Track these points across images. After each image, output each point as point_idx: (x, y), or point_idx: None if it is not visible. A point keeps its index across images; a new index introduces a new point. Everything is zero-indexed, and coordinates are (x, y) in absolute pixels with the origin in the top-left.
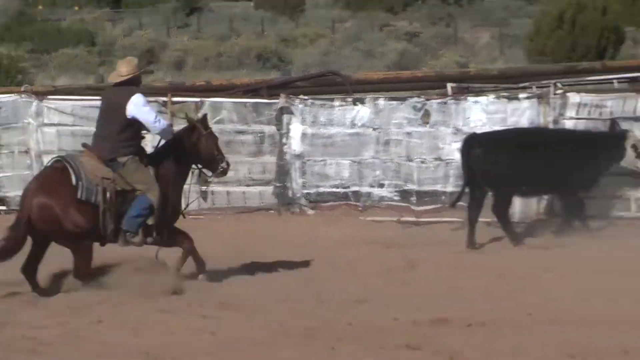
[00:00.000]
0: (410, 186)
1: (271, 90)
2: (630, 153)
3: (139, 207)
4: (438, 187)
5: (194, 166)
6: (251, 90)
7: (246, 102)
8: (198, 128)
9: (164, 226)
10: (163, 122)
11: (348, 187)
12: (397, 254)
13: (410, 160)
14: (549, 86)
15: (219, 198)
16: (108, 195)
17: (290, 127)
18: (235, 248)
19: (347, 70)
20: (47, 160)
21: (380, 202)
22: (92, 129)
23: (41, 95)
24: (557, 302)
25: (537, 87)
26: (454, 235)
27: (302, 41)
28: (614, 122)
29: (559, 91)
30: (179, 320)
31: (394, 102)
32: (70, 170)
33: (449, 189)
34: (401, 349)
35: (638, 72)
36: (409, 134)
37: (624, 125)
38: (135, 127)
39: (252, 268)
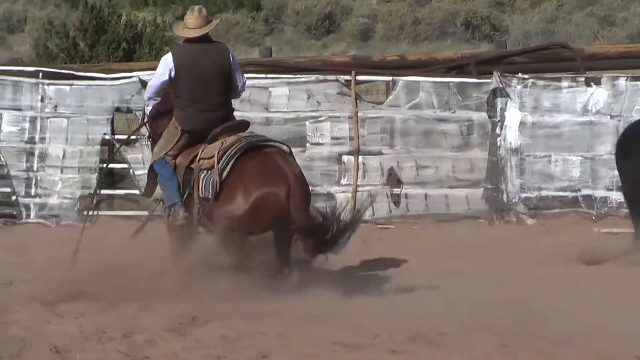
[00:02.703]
0: None
1: (482, 67)
2: None
3: None
4: None
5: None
6: (456, 67)
7: (450, 82)
8: None
9: None
10: None
11: (578, 190)
12: None
13: None
14: None
15: (415, 203)
16: None
17: (506, 114)
18: (432, 265)
19: (579, 42)
20: None
21: (619, 210)
22: (256, 114)
23: None
24: None
25: None
26: None
27: (522, 5)
28: None
29: None
30: (362, 356)
31: (639, 83)
32: None
33: None
34: None
35: None
36: None
37: None
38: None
39: (452, 291)
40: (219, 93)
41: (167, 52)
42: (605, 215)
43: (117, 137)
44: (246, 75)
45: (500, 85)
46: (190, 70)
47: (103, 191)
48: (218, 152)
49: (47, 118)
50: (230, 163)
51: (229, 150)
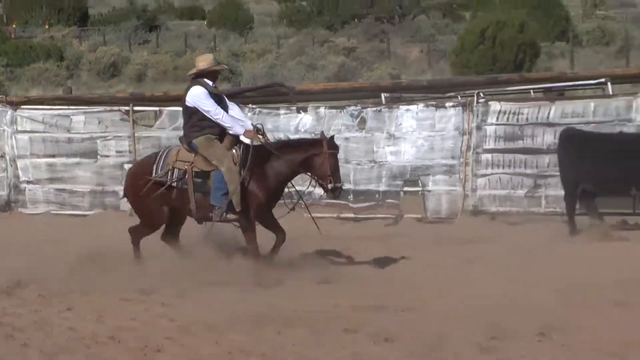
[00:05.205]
0: (348, 186)
1: None
2: None
3: (216, 181)
4: (372, 187)
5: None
6: None
7: None
8: (323, 144)
9: (242, 209)
10: (222, 112)
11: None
12: (337, 246)
13: (348, 162)
14: (472, 95)
15: None
16: (185, 175)
17: None
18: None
19: (292, 81)
20: (20, 164)
21: (320, 201)
22: (61, 135)
23: (15, 105)
24: (482, 292)
25: (461, 97)
26: (386, 230)
27: (251, 56)
28: None
29: (482, 100)
30: (141, 306)
31: (334, 110)
32: (154, 157)
33: (382, 188)
34: (341, 333)
35: (552, 82)
36: (347, 138)
37: (539, 131)
38: (200, 114)
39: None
40: (183, 116)
41: None
42: (311, 205)
43: None
44: (53, 107)
45: None
46: None
47: None
48: None
49: None
50: None
51: None
